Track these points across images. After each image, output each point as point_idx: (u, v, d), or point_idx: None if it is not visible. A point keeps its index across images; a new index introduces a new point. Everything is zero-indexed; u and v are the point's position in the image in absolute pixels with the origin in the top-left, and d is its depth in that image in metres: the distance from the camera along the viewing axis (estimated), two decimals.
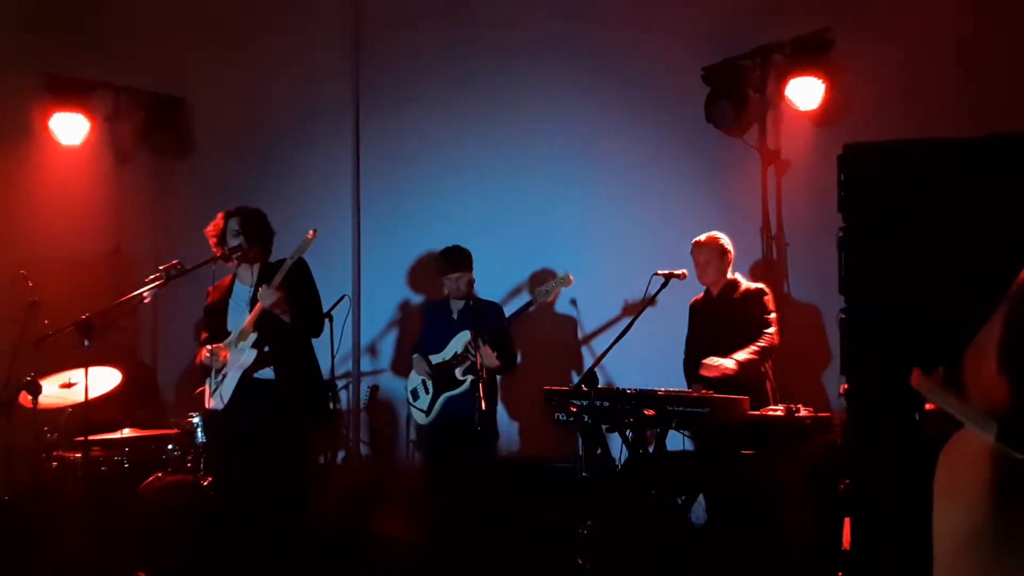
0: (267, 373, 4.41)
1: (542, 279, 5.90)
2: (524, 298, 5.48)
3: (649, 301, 4.69)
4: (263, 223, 4.55)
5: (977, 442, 2.54)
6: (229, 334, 4.44)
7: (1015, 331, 2.46)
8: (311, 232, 4.31)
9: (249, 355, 4.32)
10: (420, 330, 5.39)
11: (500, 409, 5.53)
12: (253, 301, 4.41)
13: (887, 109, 5.11)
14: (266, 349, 4.35)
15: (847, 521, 3.83)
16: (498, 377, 5.24)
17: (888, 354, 3.33)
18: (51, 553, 4.89)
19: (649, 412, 4.39)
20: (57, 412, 5.16)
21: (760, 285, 4.98)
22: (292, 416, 4.41)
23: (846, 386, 3.54)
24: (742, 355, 4.65)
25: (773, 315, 4.84)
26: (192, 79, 6.52)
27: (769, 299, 4.89)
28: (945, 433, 2.70)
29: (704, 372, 4.65)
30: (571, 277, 4.91)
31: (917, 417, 3.02)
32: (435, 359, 5.15)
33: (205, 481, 4.95)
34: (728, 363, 4.60)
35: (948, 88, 5.04)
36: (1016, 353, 2.43)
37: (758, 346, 4.72)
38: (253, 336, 4.33)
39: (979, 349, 2.56)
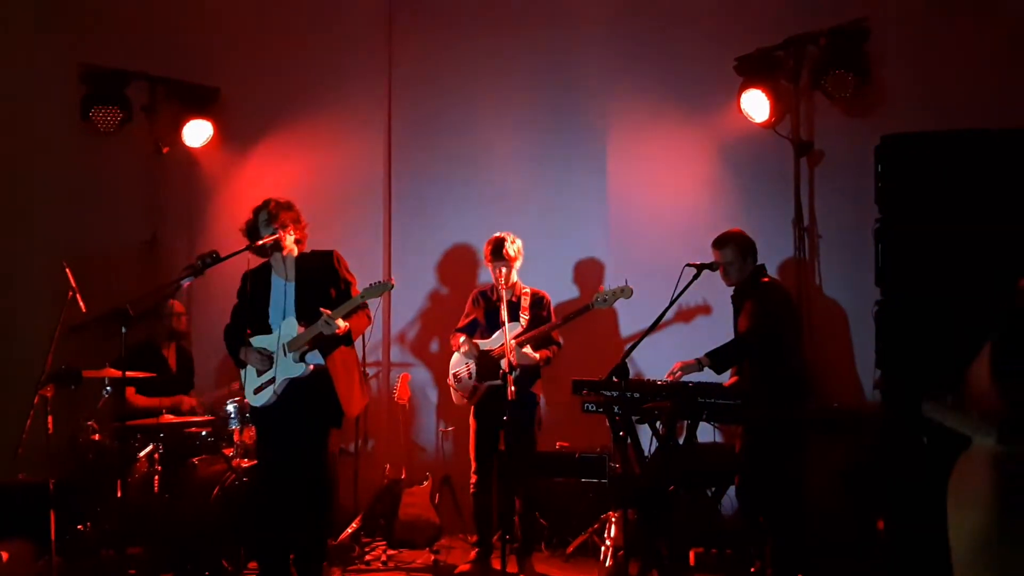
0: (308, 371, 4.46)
1: (588, 276, 5.93)
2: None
3: (681, 293, 4.66)
4: (292, 213, 4.57)
5: (981, 451, 2.81)
6: (270, 328, 4.47)
7: (1002, 342, 2.75)
8: (392, 280, 4.40)
9: (302, 369, 4.37)
10: (469, 316, 5.35)
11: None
12: (300, 301, 4.42)
13: (922, 100, 5.07)
14: (307, 360, 4.41)
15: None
16: (540, 368, 5.22)
17: (924, 346, 3.31)
18: (95, 537, 4.99)
19: (679, 404, 4.38)
20: (95, 399, 5.24)
21: (780, 286, 4.82)
22: (326, 414, 4.47)
23: (881, 379, 3.53)
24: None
25: (760, 318, 4.66)
26: (227, 69, 6.57)
27: (767, 302, 4.66)
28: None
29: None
30: (632, 288, 4.89)
31: (925, 441, 3.12)
32: (482, 345, 5.16)
33: (239, 467, 5.02)
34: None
35: (985, 79, 4.98)
36: (1003, 362, 2.72)
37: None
38: (305, 348, 4.37)
39: (978, 365, 2.82)
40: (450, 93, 6.37)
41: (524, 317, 5.12)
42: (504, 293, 5.05)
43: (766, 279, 4.79)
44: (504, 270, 5.08)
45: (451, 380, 5.28)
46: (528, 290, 5.23)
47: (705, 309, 5.62)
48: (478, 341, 5.17)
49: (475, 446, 5.19)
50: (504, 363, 4.84)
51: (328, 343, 4.43)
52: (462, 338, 5.20)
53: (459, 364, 5.24)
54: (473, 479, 5.20)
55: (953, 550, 2.82)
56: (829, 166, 5.47)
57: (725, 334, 4.85)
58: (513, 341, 4.91)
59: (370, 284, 4.34)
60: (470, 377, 5.17)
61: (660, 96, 5.90)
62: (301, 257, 4.55)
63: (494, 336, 5.14)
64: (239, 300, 4.60)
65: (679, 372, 4.59)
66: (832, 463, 4.47)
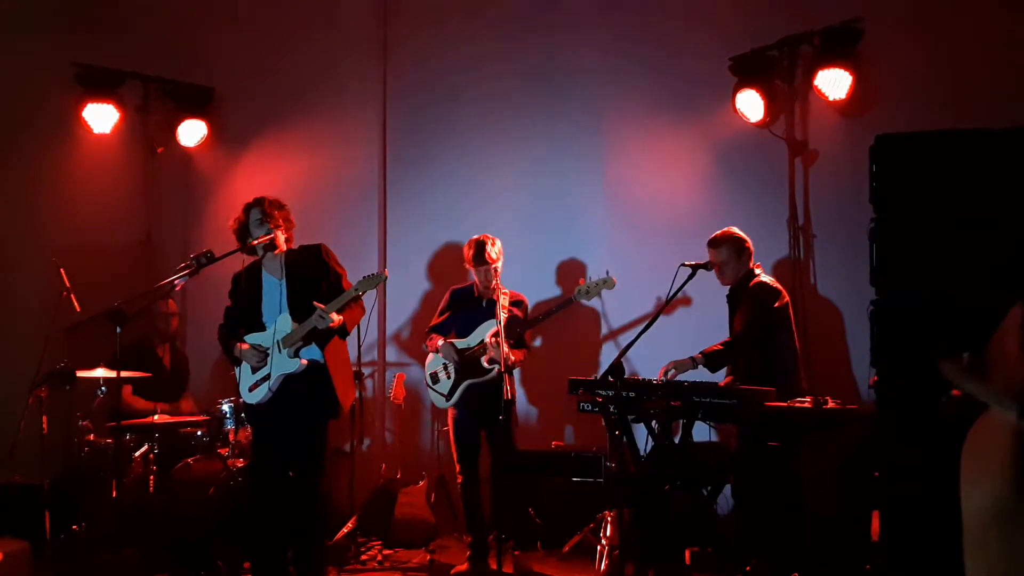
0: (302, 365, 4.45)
1: (571, 273, 5.93)
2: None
3: (676, 292, 4.67)
4: (284, 211, 4.57)
5: (1000, 423, 2.71)
6: (263, 326, 4.46)
7: None
8: (385, 271, 4.39)
9: (296, 364, 4.36)
10: (444, 314, 5.34)
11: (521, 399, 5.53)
12: (292, 297, 4.41)
13: (916, 100, 5.07)
14: (301, 355, 4.40)
15: (875, 513, 3.83)
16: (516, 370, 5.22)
17: (919, 346, 3.32)
18: (90, 538, 4.98)
19: (675, 403, 4.39)
20: (89, 399, 5.23)
21: (774, 285, 4.79)
22: (324, 408, 4.46)
23: (876, 378, 3.53)
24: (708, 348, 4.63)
25: (755, 319, 4.67)
26: (221, 69, 6.57)
27: (762, 302, 4.67)
28: (967, 419, 2.79)
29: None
30: (614, 279, 4.88)
31: (943, 400, 3.09)
32: (459, 344, 5.16)
33: (235, 467, 5.02)
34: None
35: (979, 78, 4.98)
36: None
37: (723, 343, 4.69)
38: (299, 344, 4.37)
39: (1003, 334, 2.65)
40: (445, 93, 6.37)
41: (503, 316, 5.12)
42: (488, 293, 5.06)
43: (761, 279, 4.79)
44: (484, 271, 5.07)
45: (428, 381, 5.28)
46: (507, 291, 5.22)
47: (685, 301, 5.60)
48: (454, 340, 5.17)
49: (456, 446, 5.18)
50: (485, 360, 4.90)
51: (323, 336, 4.42)
52: (440, 340, 5.18)
53: (436, 364, 5.23)
54: (459, 480, 5.19)
55: (964, 524, 2.75)
56: (824, 166, 5.48)
57: (708, 327, 4.87)
58: (499, 339, 4.89)
59: (363, 277, 4.34)
60: (448, 377, 5.16)
61: (655, 96, 5.91)
62: (290, 253, 4.54)
63: (471, 335, 5.13)
64: (231, 301, 4.60)
65: (673, 371, 4.60)
66: (827, 462, 4.47)
